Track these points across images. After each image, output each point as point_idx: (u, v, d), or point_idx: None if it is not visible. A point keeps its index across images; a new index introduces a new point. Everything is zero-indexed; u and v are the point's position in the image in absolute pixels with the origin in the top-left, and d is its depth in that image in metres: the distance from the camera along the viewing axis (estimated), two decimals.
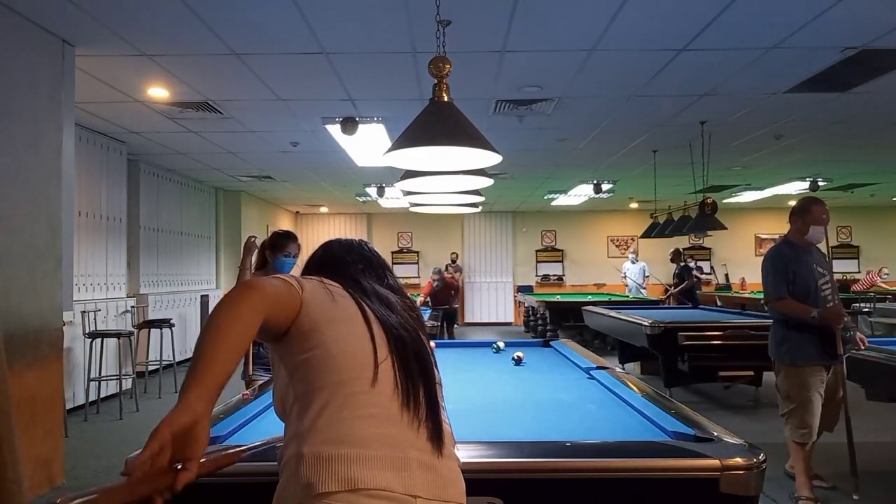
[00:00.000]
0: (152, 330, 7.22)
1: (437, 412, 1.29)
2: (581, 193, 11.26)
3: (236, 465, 1.29)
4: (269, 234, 3.86)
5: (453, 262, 13.80)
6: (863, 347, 3.76)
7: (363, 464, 1.14)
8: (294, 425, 1.23)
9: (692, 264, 13.33)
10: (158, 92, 5.15)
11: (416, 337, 1.40)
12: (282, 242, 3.62)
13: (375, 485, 1.12)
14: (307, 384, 1.24)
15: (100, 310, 6.48)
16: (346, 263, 1.51)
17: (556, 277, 14.72)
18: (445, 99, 2.77)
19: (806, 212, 3.84)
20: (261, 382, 3.03)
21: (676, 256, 10.72)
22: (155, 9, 3.60)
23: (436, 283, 9.42)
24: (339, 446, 1.15)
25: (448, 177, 3.71)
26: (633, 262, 12.07)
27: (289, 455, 1.19)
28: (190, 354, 6.96)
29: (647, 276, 12.14)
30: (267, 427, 2.01)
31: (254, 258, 3.62)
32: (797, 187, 10.64)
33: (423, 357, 1.36)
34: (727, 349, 5.45)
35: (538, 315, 10.41)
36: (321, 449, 1.15)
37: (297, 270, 3.90)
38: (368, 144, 6.78)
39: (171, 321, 7.22)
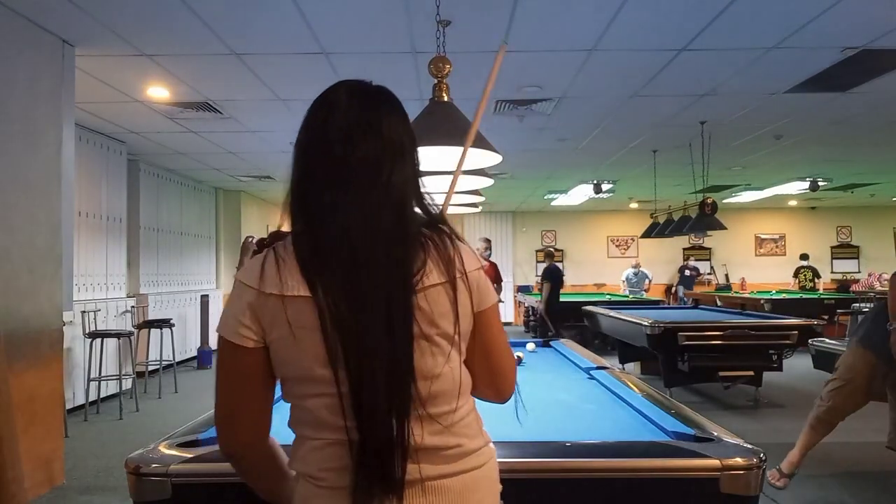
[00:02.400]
0: (152, 330, 7.22)
1: None
2: (581, 193, 11.26)
3: None
4: (268, 234, 3.87)
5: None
6: None
7: None
8: None
9: (692, 263, 13.43)
10: (158, 92, 5.15)
11: None
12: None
13: None
14: None
15: (100, 310, 6.47)
16: None
17: None
18: (445, 99, 2.77)
19: None
20: None
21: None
22: (155, 9, 3.60)
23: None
24: None
25: (448, 177, 3.71)
26: (634, 275, 12.09)
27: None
28: (190, 354, 6.95)
29: (649, 281, 12.19)
30: None
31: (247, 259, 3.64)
32: (797, 187, 10.65)
33: None
34: (727, 349, 5.45)
35: (538, 315, 10.40)
36: None
37: None
38: None
39: (171, 321, 7.22)
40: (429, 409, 1.04)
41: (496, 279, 7.76)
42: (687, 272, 13.26)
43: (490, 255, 8.12)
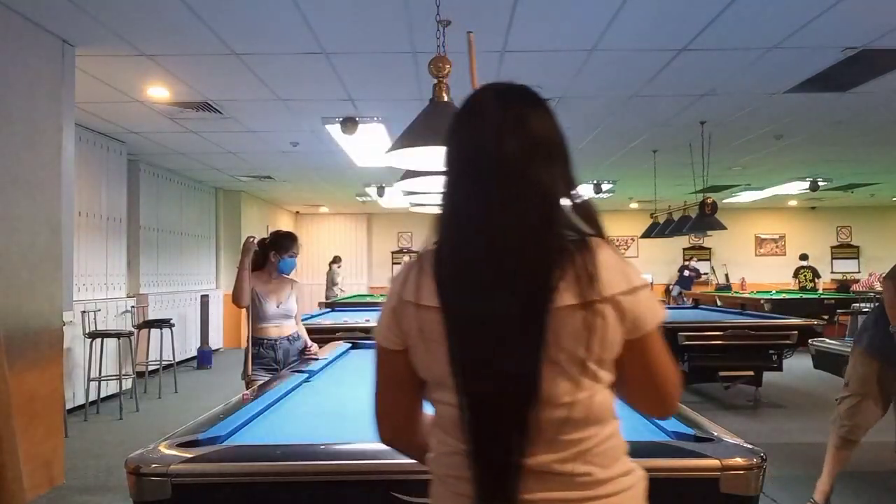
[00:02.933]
0: (152, 330, 7.22)
1: None
2: (581, 193, 11.24)
3: (256, 466, 1.25)
4: (270, 234, 3.89)
5: None
6: None
7: None
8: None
9: (692, 264, 13.43)
10: (158, 92, 5.15)
11: None
12: (287, 243, 3.78)
13: None
14: None
15: (100, 310, 6.47)
16: None
17: None
18: (445, 99, 2.77)
19: None
20: (261, 382, 3.02)
21: None
22: (155, 9, 3.60)
23: None
24: None
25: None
26: None
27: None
28: (190, 354, 6.95)
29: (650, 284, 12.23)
30: (267, 427, 2.02)
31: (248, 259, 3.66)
32: (797, 187, 10.64)
33: None
34: (727, 349, 5.45)
35: None
36: None
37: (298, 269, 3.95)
38: (368, 144, 6.78)
39: (171, 321, 7.22)
40: (554, 435, 0.99)
41: None
42: (687, 273, 13.26)
43: None
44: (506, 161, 1.00)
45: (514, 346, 0.96)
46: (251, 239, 3.63)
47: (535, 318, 0.95)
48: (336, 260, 12.08)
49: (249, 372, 3.51)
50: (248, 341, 3.58)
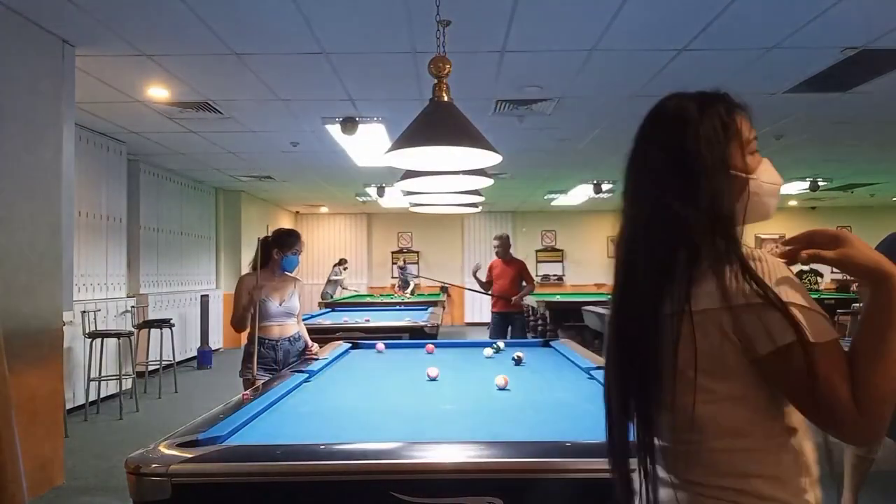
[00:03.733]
0: (152, 330, 7.22)
1: None
2: (581, 193, 11.26)
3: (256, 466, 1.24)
4: (273, 232, 3.90)
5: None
6: None
7: None
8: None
9: None
10: (158, 92, 5.15)
11: None
12: (290, 241, 3.80)
13: None
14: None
15: (100, 310, 6.48)
16: None
17: (556, 277, 14.73)
18: (445, 99, 2.77)
19: None
20: (261, 382, 3.02)
21: None
22: (155, 9, 3.60)
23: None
24: None
25: (448, 177, 3.72)
26: None
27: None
28: (190, 354, 6.92)
29: None
30: (267, 427, 2.02)
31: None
32: (797, 187, 10.64)
33: None
34: None
35: (538, 315, 10.40)
36: None
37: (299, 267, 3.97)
38: (368, 144, 6.78)
39: (171, 321, 7.22)
40: (671, 440, 1.06)
41: (513, 280, 6.88)
42: None
43: (499, 253, 7.12)
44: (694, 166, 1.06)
45: (639, 345, 1.07)
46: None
47: (661, 321, 1.04)
48: (341, 262, 12.09)
49: (255, 371, 3.51)
50: (254, 342, 3.56)
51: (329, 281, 11.61)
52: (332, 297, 10.63)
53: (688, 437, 1.03)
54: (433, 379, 2.82)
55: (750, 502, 1.02)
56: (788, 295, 0.99)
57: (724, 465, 1.03)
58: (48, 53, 3.90)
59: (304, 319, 4.07)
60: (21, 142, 3.71)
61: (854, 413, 0.95)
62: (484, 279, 7.17)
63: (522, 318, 7.26)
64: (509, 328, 6.85)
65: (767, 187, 1.11)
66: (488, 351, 3.67)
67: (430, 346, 3.92)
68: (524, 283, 6.93)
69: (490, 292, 7.11)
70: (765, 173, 1.11)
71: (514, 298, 6.78)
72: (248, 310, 3.57)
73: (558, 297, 11.26)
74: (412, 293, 11.17)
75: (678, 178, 1.05)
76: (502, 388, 2.61)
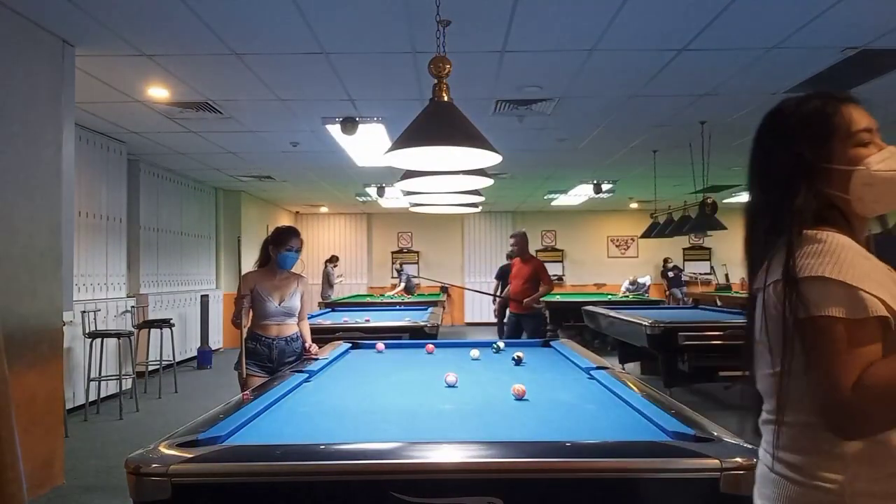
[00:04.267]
0: (152, 330, 7.22)
1: None
2: (581, 193, 11.26)
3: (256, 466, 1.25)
4: (273, 231, 3.83)
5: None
6: None
7: None
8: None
9: (670, 264, 13.52)
10: (158, 92, 5.15)
11: None
12: (283, 238, 3.70)
13: None
14: None
15: (100, 310, 6.48)
16: None
17: (556, 277, 14.72)
18: (445, 99, 2.77)
19: None
20: (259, 383, 3.01)
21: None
22: (155, 9, 3.60)
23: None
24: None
25: (448, 177, 3.72)
26: (632, 285, 12.11)
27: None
28: (190, 354, 6.91)
29: (648, 286, 12.23)
30: (267, 427, 2.02)
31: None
32: None
33: None
34: (727, 349, 5.45)
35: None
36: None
37: (299, 266, 3.92)
38: (368, 144, 6.78)
39: (171, 321, 7.22)
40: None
41: (527, 280, 6.46)
42: (671, 274, 13.32)
43: (514, 252, 6.77)
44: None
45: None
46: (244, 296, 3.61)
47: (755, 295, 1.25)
48: (332, 259, 12.08)
49: (244, 371, 3.43)
50: (242, 339, 3.47)
51: (329, 284, 11.60)
52: (331, 297, 10.64)
53: (764, 406, 1.14)
54: (452, 386, 2.69)
55: (804, 482, 1.01)
56: (815, 269, 1.01)
57: (784, 437, 1.05)
58: (48, 53, 3.90)
59: None
60: (21, 142, 3.71)
61: (845, 399, 0.95)
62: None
63: (537, 321, 6.67)
64: (523, 332, 6.45)
65: (883, 175, 1.11)
66: (475, 352, 3.62)
67: (430, 346, 3.92)
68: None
69: (499, 294, 7.03)
70: (880, 162, 1.13)
71: (525, 301, 6.38)
72: (239, 311, 3.51)
73: (558, 297, 11.26)
74: (411, 293, 11.22)
75: (770, 175, 1.18)
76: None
